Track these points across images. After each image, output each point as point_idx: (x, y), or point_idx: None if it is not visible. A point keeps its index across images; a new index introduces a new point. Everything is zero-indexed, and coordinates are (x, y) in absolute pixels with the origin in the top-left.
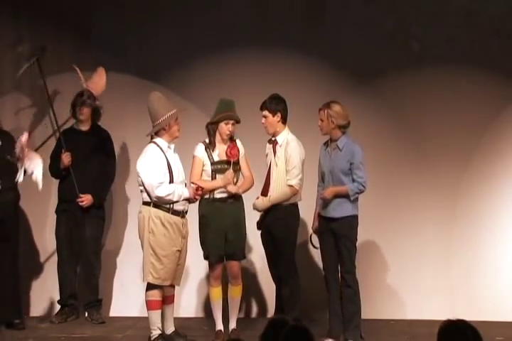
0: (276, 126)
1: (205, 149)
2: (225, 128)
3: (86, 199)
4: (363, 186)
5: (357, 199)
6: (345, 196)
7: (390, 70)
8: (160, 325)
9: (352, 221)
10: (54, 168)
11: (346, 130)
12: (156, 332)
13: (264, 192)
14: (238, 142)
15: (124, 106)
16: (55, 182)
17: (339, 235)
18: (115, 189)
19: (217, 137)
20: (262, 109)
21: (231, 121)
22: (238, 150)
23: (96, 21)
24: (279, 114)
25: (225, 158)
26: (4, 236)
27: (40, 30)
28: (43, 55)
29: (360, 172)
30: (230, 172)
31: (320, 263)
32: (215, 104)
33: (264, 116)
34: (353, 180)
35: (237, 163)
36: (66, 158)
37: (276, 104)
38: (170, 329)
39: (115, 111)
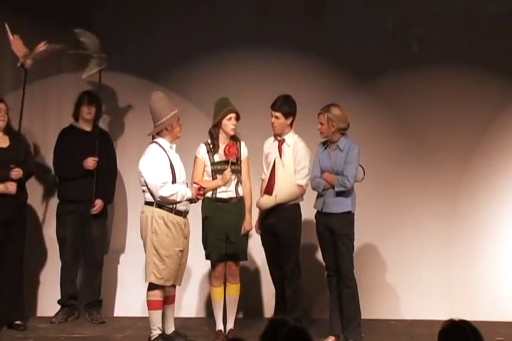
0: (285, 128)
1: (207, 149)
2: (229, 124)
3: (99, 207)
4: (348, 181)
5: (354, 196)
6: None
7: (389, 70)
8: (160, 325)
9: (350, 218)
10: (65, 168)
11: (346, 132)
12: (156, 332)
13: (268, 191)
14: (243, 144)
15: (123, 105)
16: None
17: (338, 233)
18: (116, 189)
19: (221, 138)
20: (274, 109)
21: (233, 115)
22: (237, 149)
23: (96, 21)
24: (291, 118)
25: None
26: (11, 237)
27: (40, 30)
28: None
29: (349, 168)
30: (228, 171)
31: (319, 263)
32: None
33: (276, 117)
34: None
35: (236, 163)
36: (92, 162)
37: (290, 107)
38: (170, 329)
39: (115, 111)
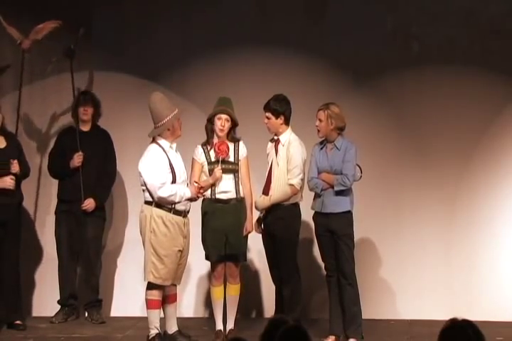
0: (279, 127)
1: (203, 150)
2: (218, 123)
3: (89, 205)
4: (348, 179)
5: (352, 196)
6: (332, 186)
7: (390, 70)
8: (158, 325)
9: (350, 218)
10: (57, 167)
11: (342, 132)
12: (153, 332)
13: (266, 191)
14: (241, 144)
15: (123, 106)
16: (55, 183)
17: (339, 234)
18: (115, 189)
19: (215, 136)
20: (265, 109)
21: (223, 116)
22: (228, 147)
23: (96, 21)
24: (282, 117)
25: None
26: (7, 238)
27: None
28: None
29: (348, 167)
30: (218, 169)
31: (319, 263)
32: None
33: (267, 117)
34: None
35: (233, 163)
36: (78, 158)
37: (280, 107)
38: (173, 328)
39: (115, 111)
